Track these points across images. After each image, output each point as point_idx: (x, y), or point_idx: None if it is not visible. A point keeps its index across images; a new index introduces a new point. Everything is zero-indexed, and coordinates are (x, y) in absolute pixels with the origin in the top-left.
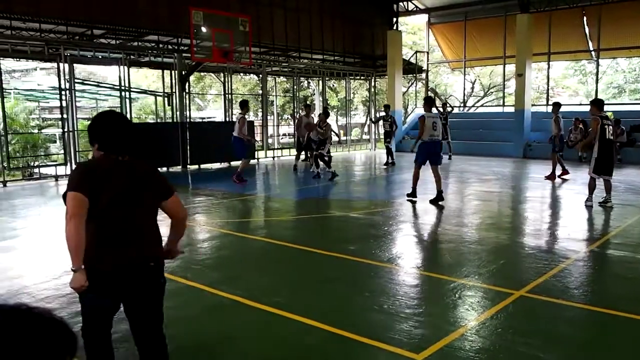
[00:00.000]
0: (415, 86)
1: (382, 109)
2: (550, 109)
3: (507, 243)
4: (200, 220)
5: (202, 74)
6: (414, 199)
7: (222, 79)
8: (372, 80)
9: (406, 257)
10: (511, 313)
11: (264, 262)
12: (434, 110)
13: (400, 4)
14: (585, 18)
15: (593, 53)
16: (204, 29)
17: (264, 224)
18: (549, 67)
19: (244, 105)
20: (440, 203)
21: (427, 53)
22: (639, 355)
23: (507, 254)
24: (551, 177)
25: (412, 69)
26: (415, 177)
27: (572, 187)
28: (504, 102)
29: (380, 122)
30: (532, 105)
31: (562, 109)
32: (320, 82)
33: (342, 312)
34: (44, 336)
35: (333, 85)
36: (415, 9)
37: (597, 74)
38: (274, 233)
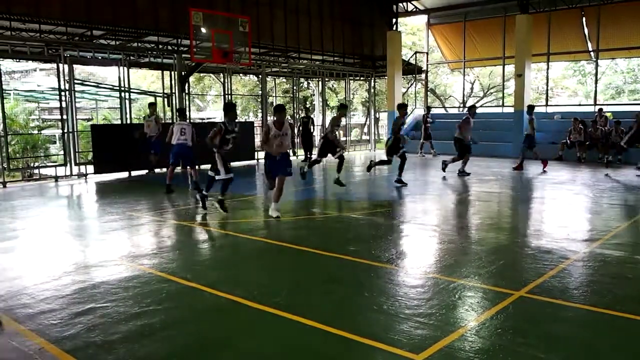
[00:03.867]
0: (415, 87)
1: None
2: (550, 109)
3: (506, 243)
4: (199, 221)
5: (201, 74)
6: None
7: (222, 80)
8: (372, 80)
9: (406, 258)
10: (511, 313)
11: (264, 263)
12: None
13: (400, 4)
14: (584, 19)
15: (592, 54)
16: (203, 30)
17: (264, 224)
18: (548, 68)
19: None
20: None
21: (427, 54)
22: (638, 356)
23: (507, 254)
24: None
25: (411, 70)
26: (171, 174)
27: (571, 187)
28: (503, 102)
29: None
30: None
31: (562, 109)
32: (320, 82)
33: (342, 312)
34: None
35: (333, 86)
36: (414, 9)
37: (596, 74)
38: (274, 233)
